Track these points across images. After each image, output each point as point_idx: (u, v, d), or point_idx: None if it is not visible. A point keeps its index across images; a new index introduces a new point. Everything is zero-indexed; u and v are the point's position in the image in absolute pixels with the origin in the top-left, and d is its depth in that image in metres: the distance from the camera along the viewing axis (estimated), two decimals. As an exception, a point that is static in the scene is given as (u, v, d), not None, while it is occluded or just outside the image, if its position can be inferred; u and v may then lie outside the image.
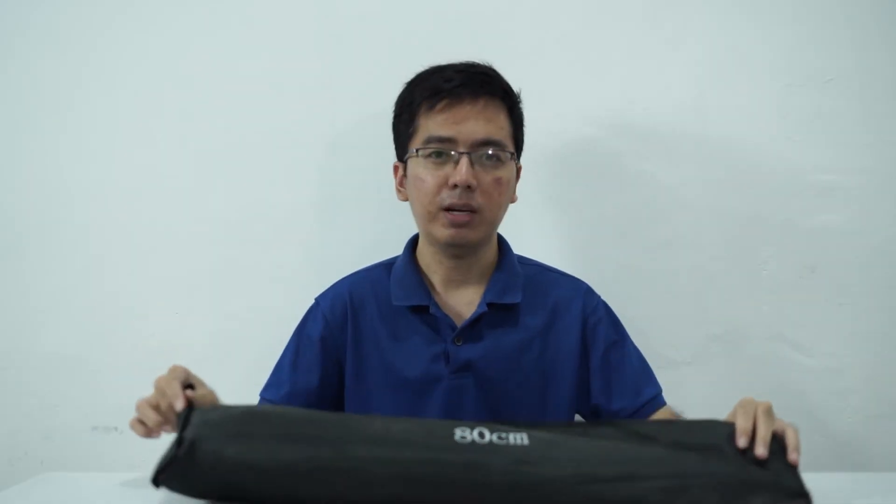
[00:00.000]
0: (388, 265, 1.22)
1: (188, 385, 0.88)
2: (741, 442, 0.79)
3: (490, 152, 1.08)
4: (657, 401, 1.17)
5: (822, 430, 1.38)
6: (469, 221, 1.08)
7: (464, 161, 1.06)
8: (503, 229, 1.21)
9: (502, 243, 1.21)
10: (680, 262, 1.41)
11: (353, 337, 1.16)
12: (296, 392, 1.15)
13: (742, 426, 0.81)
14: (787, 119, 1.38)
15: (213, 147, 1.45)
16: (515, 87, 1.15)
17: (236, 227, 1.46)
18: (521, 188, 1.17)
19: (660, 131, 1.40)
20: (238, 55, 1.45)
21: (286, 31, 1.44)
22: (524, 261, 1.23)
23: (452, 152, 1.07)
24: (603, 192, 1.42)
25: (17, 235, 1.48)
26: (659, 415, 1.16)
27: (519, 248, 1.23)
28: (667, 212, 1.41)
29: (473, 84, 1.08)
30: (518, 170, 1.18)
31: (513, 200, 1.17)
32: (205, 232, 1.46)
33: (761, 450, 0.77)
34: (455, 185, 1.06)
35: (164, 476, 0.74)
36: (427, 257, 1.18)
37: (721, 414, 1.38)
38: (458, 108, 1.08)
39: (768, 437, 0.79)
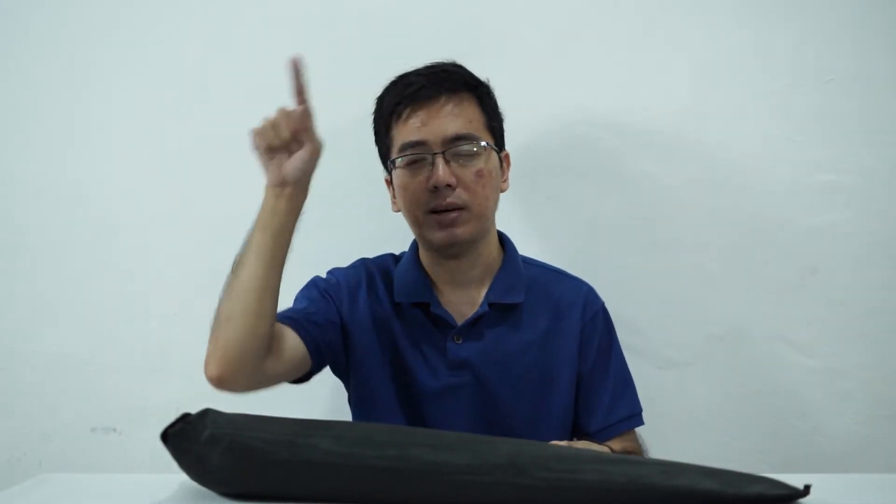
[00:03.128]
0: (398, 258, 1.22)
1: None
2: None
3: (463, 147, 1.08)
4: (629, 422, 1.17)
5: (822, 432, 1.38)
6: (457, 219, 1.08)
7: (438, 161, 1.07)
8: (503, 228, 1.22)
9: (506, 243, 1.21)
10: (680, 262, 1.40)
11: (365, 312, 1.15)
12: (299, 313, 1.11)
13: None
14: (787, 119, 1.38)
15: (213, 147, 1.45)
16: (494, 79, 1.15)
17: (236, 227, 1.45)
18: (521, 188, 1.17)
19: (660, 131, 1.40)
20: (238, 55, 1.45)
21: (286, 32, 1.44)
22: (529, 261, 1.22)
23: (426, 155, 1.08)
24: (603, 192, 1.42)
25: (18, 235, 1.48)
26: (624, 437, 1.16)
27: (518, 247, 1.22)
28: (667, 212, 1.41)
29: (433, 84, 1.09)
30: (505, 157, 1.18)
31: (502, 189, 1.17)
32: (205, 232, 1.45)
33: None
34: (435, 187, 1.07)
35: (174, 431, 0.77)
36: (428, 258, 1.18)
37: (721, 414, 1.39)
38: (422, 111, 1.09)
39: None
